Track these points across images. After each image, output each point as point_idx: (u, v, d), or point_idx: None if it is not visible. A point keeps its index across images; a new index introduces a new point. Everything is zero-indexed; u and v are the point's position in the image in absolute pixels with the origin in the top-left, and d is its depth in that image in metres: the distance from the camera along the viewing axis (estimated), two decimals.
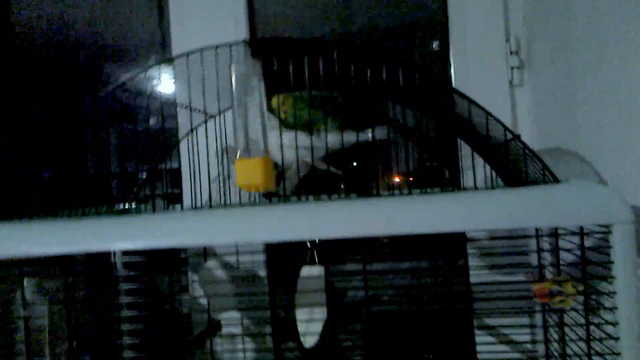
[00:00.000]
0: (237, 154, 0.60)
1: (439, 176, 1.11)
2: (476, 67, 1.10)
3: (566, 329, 0.76)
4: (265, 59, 0.65)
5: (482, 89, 1.10)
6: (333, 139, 0.88)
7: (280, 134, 0.77)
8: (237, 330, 1.12)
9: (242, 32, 1.21)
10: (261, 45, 0.63)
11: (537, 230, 0.81)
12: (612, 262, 0.54)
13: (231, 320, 1.10)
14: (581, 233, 0.58)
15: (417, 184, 1.13)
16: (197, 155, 0.95)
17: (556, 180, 0.60)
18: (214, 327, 1.08)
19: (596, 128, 0.79)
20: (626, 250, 0.53)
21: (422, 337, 1.13)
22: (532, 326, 0.95)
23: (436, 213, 0.56)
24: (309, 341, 0.96)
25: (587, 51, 0.79)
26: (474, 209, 0.55)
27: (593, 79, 0.78)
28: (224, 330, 1.11)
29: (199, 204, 0.93)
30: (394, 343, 1.13)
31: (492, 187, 0.69)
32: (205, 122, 0.98)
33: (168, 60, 0.67)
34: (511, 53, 1.08)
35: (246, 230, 0.59)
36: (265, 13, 1.27)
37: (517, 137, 0.60)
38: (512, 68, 1.08)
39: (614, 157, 0.73)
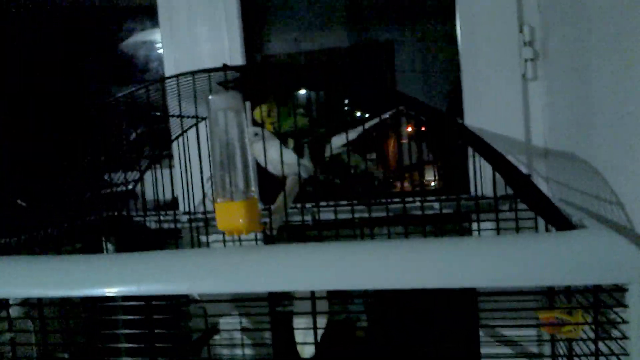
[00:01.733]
0: (215, 196, 0.55)
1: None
2: (486, 60, 1.02)
3: None
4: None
5: (492, 83, 1.03)
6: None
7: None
8: (237, 333, 1.09)
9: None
10: (240, 72, 0.58)
11: None
12: (626, 322, 0.50)
13: (230, 323, 1.08)
14: (594, 291, 0.53)
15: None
16: (188, 157, 0.91)
17: (569, 225, 0.54)
18: (212, 331, 1.06)
19: (612, 134, 0.72)
20: None
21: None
22: (540, 355, 0.92)
23: (437, 268, 0.51)
24: (307, 352, 0.93)
25: (606, 43, 0.71)
26: (481, 264, 0.50)
27: (611, 75, 0.71)
28: (223, 334, 1.09)
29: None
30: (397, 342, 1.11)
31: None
32: (196, 124, 0.93)
33: (152, 82, 0.62)
34: (525, 44, 1.00)
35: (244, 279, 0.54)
36: None
37: (527, 177, 0.54)
38: (525, 60, 1.01)
39: (630, 173, 0.67)
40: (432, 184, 1.15)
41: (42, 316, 0.62)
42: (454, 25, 1.06)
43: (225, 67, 0.56)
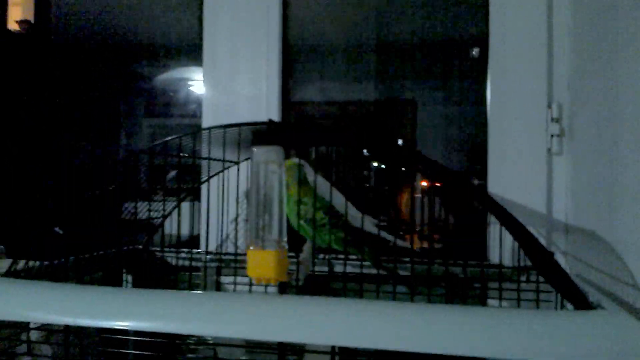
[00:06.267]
0: (249, 243, 0.57)
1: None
2: (513, 132, 1.06)
3: None
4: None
5: (518, 154, 1.06)
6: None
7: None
8: None
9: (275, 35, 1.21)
10: (279, 129, 0.61)
11: None
12: None
13: None
14: None
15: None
16: (217, 199, 0.94)
17: (588, 305, 0.55)
18: None
19: (634, 218, 0.73)
20: None
21: None
22: None
23: (450, 335, 0.52)
24: None
25: (634, 129, 0.74)
26: (495, 336, 0.51)
27: (638, 161, 0.73)
28: None
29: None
30: None
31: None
32: (225, 169, 0.96)
33: (192, 133, 0.65)
34: (552, 120, 1.03)
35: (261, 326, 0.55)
36: (300, 16, 1.27)
37: (551, 254, 0.56)
38: (551, 136, 1.03)
39: None
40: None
41: (68, 343, 0.64)
42: (480, 88, 1.11)
43: (270, 123, 0.59)
